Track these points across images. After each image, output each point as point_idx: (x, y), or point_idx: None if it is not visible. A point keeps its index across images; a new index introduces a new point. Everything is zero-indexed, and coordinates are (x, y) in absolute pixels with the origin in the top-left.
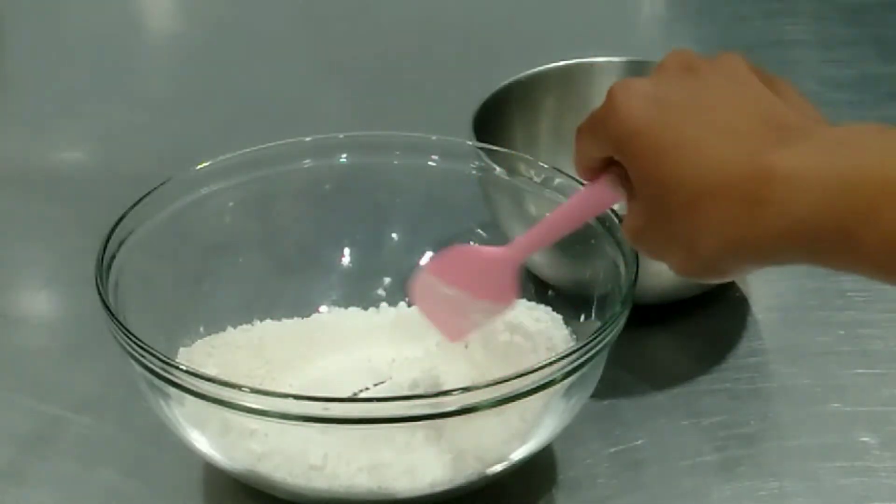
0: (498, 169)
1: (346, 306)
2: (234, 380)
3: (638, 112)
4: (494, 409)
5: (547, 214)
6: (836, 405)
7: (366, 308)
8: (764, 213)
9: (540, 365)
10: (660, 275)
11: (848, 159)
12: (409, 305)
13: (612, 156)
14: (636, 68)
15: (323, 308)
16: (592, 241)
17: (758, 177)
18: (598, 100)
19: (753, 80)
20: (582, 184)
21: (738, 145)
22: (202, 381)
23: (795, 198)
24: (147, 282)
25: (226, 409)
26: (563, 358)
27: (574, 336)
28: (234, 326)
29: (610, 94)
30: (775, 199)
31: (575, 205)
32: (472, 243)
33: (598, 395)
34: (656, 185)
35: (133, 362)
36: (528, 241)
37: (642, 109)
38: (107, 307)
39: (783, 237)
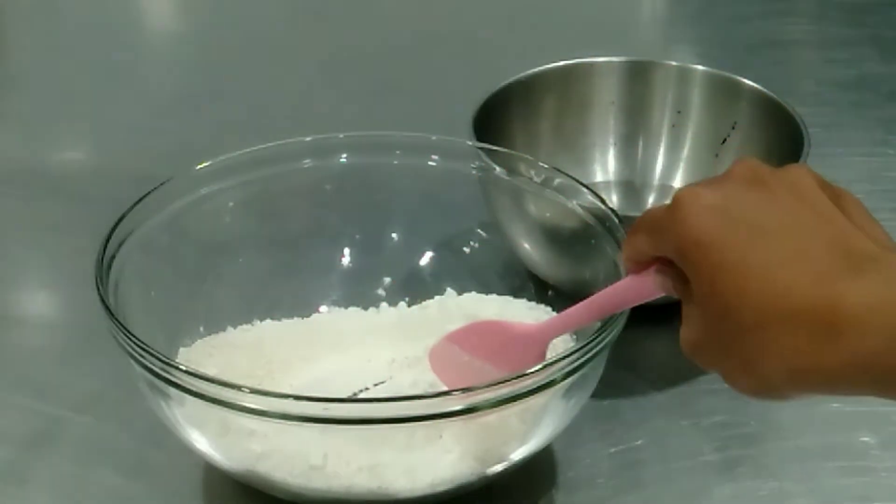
0: (498, 169)
1: (346, 306)
2: (234, 380)
3: (705, 224)
4: (494, 410)
5: (589, 298)
6: (836, 405)
7: (366, 308)
8: (833, 345)
9: (540, 365)
10: None
11: None
12: (409, 305)
13: (664, 256)
14: (636, 68)
15: (323, 308)
16: (592, 241)
17: (827, 307)
18: (598, 100)
19: (822, 199)
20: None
21: (807, 271)
22: (202, 381)
23: (866, 331)
24: (147, 282)
25: (226, 409)
26: (563, 358)
27: (574, 336)
28: (234, 326)
29: (676, 200)
30: (845, 331)
31: (617, 293)
32: (472, 243)
33: (598, 395)
34: (718, 303)
35: (133, 362)
36: (562, 322)
37: (709, 222)
38: (107, 307)
39: (852, 370)
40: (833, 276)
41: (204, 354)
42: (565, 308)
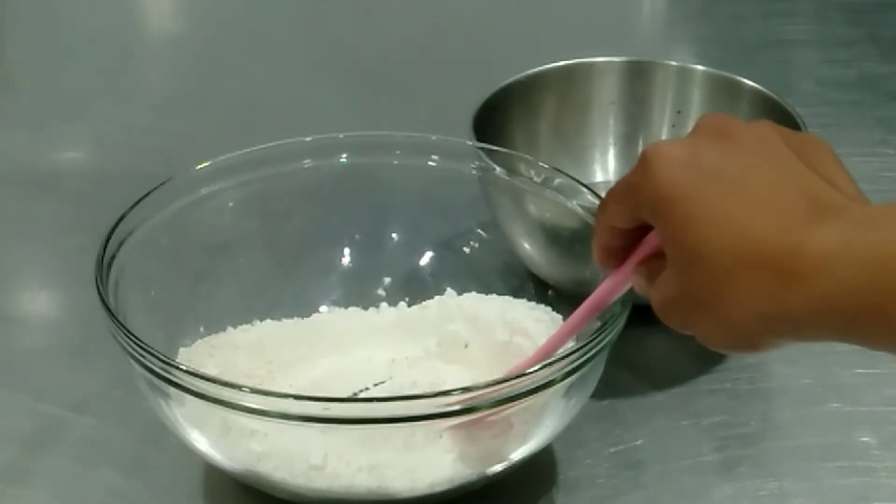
0: (498, 169)
1: (346, 306)
2: (234, 380)
3: (673, 178)
4: (494, 409)
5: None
6: (836, 405)
7: (366, 308)
8: (797, 287)
9: (540, 365)
10: None
11: (881, 237)
12: (409, 305)
13: (638, 226)
14: (636, 68)
15: (323, 308)
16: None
17: (790, 253)
18: (598, 100)
19: (787, 153)
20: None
21: (773, 219)
22: (202, 381)
23: (828, 273)
24: (147, 282)
25: (226, 409)
26: (563, 358)
27: (574, 336)
28: (234, 326)
29: (643, 158)
30: (807, 273)
31: (601, 294)
32: (472, 243)
33: (598, 395)
34: (689, 254)
35: (133, 362)
36: (554, 344)
37: (677, 175)
38: (107, 307)
39: (816, 312)
40: (797, 224)
41: (204, 354)
42: (565, 308)
